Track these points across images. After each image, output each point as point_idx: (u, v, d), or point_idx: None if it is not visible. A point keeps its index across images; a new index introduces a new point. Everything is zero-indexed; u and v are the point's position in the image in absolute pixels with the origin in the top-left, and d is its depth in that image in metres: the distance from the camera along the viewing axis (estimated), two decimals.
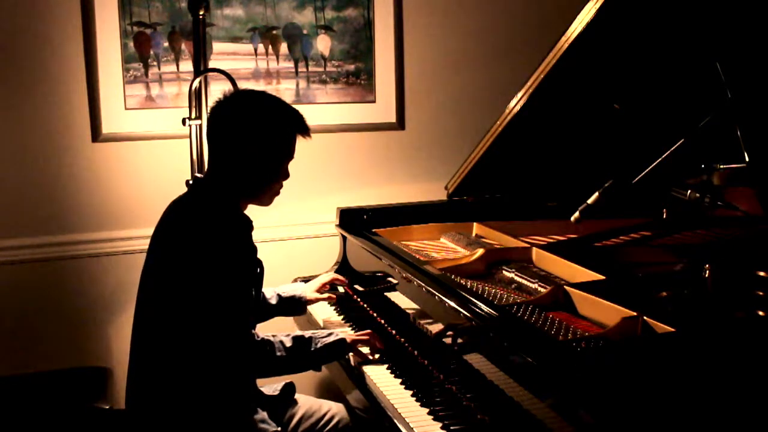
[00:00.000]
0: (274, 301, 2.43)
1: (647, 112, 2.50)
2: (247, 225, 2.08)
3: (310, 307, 2.59)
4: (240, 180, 2.05)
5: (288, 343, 2.04)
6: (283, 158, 2.07)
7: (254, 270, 2.09)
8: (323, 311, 2.59)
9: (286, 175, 2.11)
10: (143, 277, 2.08)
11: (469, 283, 2.17)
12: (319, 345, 2.08)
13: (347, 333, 2.17)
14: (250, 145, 2.02)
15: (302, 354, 2.06)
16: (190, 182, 2.55)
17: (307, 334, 2.10)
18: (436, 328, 2.06)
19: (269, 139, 2.04)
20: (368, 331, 2.20)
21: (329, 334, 2.11)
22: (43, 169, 2.92)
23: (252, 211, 2.12)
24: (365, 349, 2.15)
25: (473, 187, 2.83)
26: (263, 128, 2.03)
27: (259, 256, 2.10)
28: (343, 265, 2.81)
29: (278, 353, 2.02)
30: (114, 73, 2.96)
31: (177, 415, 2.01)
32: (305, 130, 2.09)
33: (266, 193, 2.10)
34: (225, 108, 2.06)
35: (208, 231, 1.99)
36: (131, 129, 3.00)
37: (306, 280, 2.77)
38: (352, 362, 2.15)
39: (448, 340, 1.97)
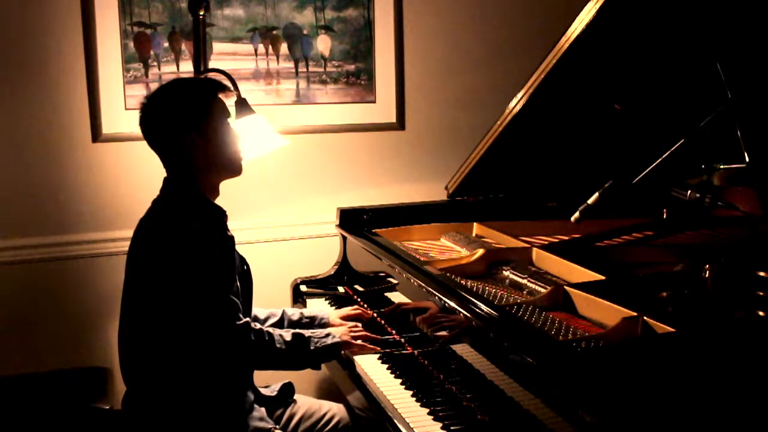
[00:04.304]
0: (295, 318, 2.38)
1: (647, 113, 2.50)
2: (219, 212, 2.10)
3: (307, 303, 2.61)
4: (193, 164, 2.06)
5: (288, 338, 2.07)
6: (213, 126, 2.06)
7: (232, 256, 2.08)
8: (322, 309, 2.59)
9: (234, 139, 2.10)
10: (125, 281, 2.09)
11: (469, 283, 2.17)
12: (318, 345, 2.10)
13: (342, 331, 2.18)
14: (178, 129, 2.03)
15: (301, 351, 2.08)
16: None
17: (306, 333, 2.12)
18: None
19: (189, 115, 2.04)
20: (357, 324, 2.26)
21: (327, 335, 2.13)
22: (43, 169, 2.92)
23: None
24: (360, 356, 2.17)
25: (473, 187, 2.83)
26: (179, 108, 2.05)
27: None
28: (343, 265, 2.80)
29: (278, 345, 2.04)
30: (114, 73, 2.96)
31: (173, 414, 2.01)
32: (221, 88, 2.10)
33: (224, 162, 2.10)
34: (145, 110, 2.09)
35: (178, 223, 2.01)
36: (131, 129, 2.96)
37: (306, 280, 2.78)
38: (349, 354, 2.17)
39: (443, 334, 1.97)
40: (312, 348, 2.09)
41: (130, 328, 2.07)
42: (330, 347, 2.11)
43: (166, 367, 2.01)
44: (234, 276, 2.05)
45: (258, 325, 2.07)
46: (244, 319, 2.01)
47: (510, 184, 2.88)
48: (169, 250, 1.97)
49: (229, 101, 2.17)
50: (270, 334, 2.05)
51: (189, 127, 2.03)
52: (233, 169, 2.13)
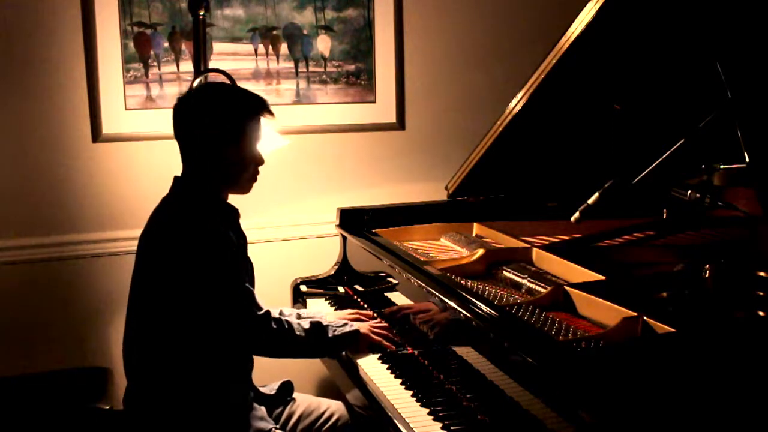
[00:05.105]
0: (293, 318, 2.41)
1: (648, 113, 2.50)
2: (232, 211, 2.13)
3: (307, 303, 2.63)
4: (213, 170, 2.07)
5: (306, 326, 2.11)
6: (247, 143, 2.06)
7: (245, 255, 2.10)
8: (319, 311, 2.59)
9: (260, 160, 2.11)
10: (133, 279, 2.10)
11: (469, 284, 2.17)
12: (337, 333, 2.13)
13: (364, 325, 2.21)
14: (214, 134, 2.03)
15: (319, 339, 2.11)
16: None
17: (324, 321, 2.16)
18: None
19: (229, 126, 2.04)
20: (385, 324, 2.26)
21: (344, 324, 2.17)
22: (43, 169, 2.92)
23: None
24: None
25: (473, 187, 2.83)
26: (222, 116, 2.04)
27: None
28: (343, 265, 2.80)
29: (297, 333, 2.08)
30: (114, 73, 2.96)
31: (175, 412, 2.02)
32: (263, 109, 2.08)
33: (241, 180, 2.10)
34: (185, 104, 2.09)
35: (192, 221, 2.01)
36: (131, 129, 3.00)
37: (306, 280, 2.78)
38: (350, 355, 2.18)
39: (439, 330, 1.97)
40: (330, 335, 2.12)
41: (137, 325, 2.06)
42: (348, 335, 2.14)
43: (173, 363, 2.01)
44: (246, 272, 2.09)
45: (276, 314, 2.11)
46: (264, 309, 2.05)
47: (510, 184, 2.88)
48: (184, 247, 1.97)
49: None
50: (288, 323, 2.08)
51: (223, 139, 2.03)
52: (245, 188, 2.14)
